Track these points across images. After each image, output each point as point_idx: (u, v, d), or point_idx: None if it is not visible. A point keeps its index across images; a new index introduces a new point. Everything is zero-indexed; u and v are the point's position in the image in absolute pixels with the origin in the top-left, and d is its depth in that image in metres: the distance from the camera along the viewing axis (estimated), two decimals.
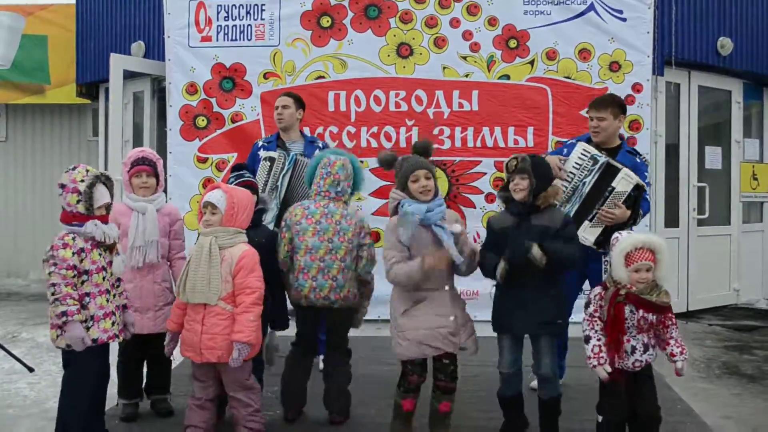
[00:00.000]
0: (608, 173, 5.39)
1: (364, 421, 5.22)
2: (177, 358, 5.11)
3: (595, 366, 4.39)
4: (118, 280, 4.73)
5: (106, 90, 9.96)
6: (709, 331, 8.86)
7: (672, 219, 9.41)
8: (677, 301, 9.18)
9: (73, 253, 4.40)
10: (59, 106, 12.45)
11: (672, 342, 4.43)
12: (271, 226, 5.97)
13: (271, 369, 5.34)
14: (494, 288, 4.81)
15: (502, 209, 4.83)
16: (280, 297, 5.07)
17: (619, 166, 5.44)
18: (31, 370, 6.87)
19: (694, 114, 9.60)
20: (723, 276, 10.09)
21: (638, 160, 5.77)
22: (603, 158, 5.42)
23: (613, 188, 5.36)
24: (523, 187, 4.59)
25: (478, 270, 4.82)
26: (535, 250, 4.45)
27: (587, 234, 5.31)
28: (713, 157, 9.96)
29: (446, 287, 4.70)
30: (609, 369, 4.37)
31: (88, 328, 4.43)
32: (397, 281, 4.66)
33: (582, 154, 5.51)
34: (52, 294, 4.34)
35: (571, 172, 5.48)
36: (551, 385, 4.69)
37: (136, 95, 10.05)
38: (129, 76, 9.48)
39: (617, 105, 5.74)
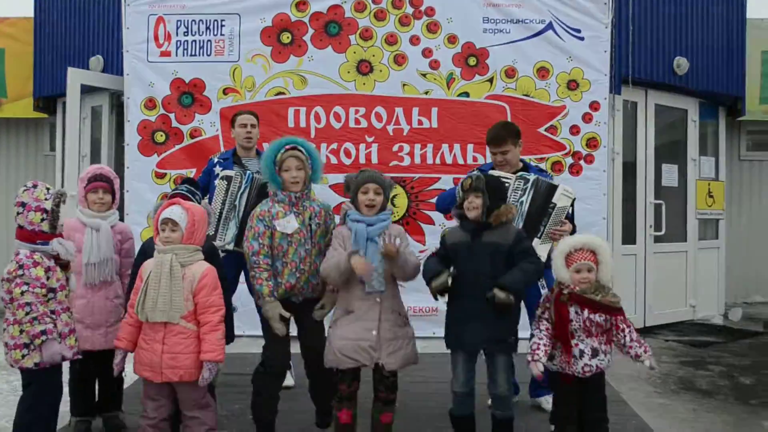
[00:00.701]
0: (538, 190, 5.46)
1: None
2: (129, 375, 5.03)
3: (529, 362, 4.45)
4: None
5: (64, 104, 9.86)
6: (665, 346, 8.95)
7: (629, 236, 9.50)
8: (635, 317, 9.26)
9: (45, 271, 4.45)
10: (15, 120, 12.29)
11: (633, 344, 4.47)
12: (230, 246, 5.92)
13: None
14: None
15: (456, 225, 4.84)
16: (226, 313, 4.96)
17: (549, 182, 5.56)
18: None
19: (651, 132, 9.72)
20: (679, 292, 10.20)
21: (547, 175, 5.95)
22: (532, 176, 5.52)
23: (555, 204, 5.45)
24: (477, 206, 4.62)
25: None
26: (498, 294, 4.44)
27: (540, 251, 5.37)
28: (670, 174, 10.08)
29: (377, 299, 4.68)
30: (541, 368, 4.43)
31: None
32: (326, 273, 4.68)
33: (503, 179, 5.58)
34: (27, 314, 4.36)
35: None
36: (505, 405, 4.67)
37: (94, 109, 9.95)
38: (87, 90, 9.38)
39: (514, 134, 5.79)
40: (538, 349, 4.48)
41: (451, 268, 4.66)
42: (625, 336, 4.47)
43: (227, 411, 5.54)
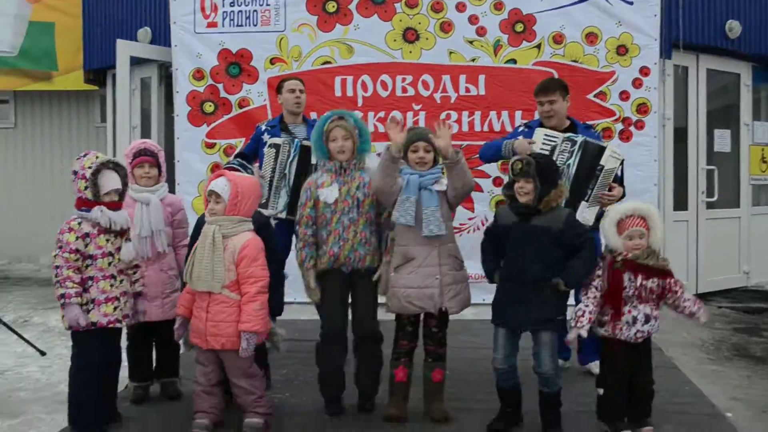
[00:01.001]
0: (587, 152, 5.41)
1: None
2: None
3: (572, 327, 4.49)
4: (136, 266, 4.89)
5: (114, 76, 9.99)
6: (718, 313, 8.85)
7: (681, 202, 9.39)
8: (687, 284, 9.15)
9: (77, 238, 4.57)
10: (67, 93, 12.46)
11: (688, 303, 4.52)
12: (283, 215, 5.97)
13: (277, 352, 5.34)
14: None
15: (507, 204, 4.79)
16: (275, 282, 5.01)
17: (598, 143, 5.50)
18: (42, 353, 6.96)
19: (702, 97, 9.56)
20: (732, 259, 10.07)
21: (596, 133, 5.89)
22: (579, 138, 5.46)
23: (602, 166, 5.40)
24: (528, 191, 4.55)
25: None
26: (560, 286, 4.51)
27: (587, 214, 5.35)
28: (722, 140, 9.93)
29: (436, 245, 4.73)
30: (584, 334, 4.45)
31: (88, 311, 4.59)
32: (375, 184, 4.83)
33: (547, 138, 5.52)
34: (55, 276, 4.53)
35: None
36: (551, 382, 4.64)
37: (143, 81, 10.05)
38: (136, 62, 9.49)
39: (563, 87, 5.76)
40: (583, 316, 4.49)
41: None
42: (678, 297, 4.51)
43: (278, 375, 5.62)
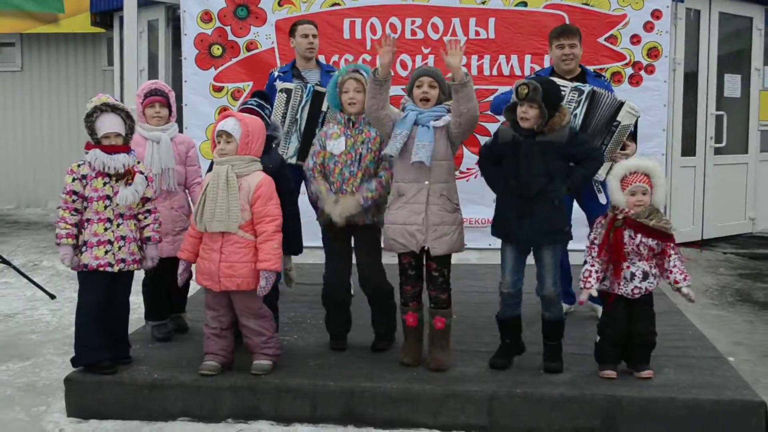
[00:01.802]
0: (597, 103, 5.37)
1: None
2: (193, 285, 5.18)
3: (581, 288, 4.55)
4: (148, 212, 4.87)
5: (121, 19, 9.91)
6: (723, 259, 8.89)
7: (689, 147, 9.36)
8: (692, 229, 9.19)
9: (74, 179, 4.65)
10: (74, 36, 12.40)
11: (674, 270, 4.51)
12: (293, 160, 5.98)
13: (289, 290, 5.43)
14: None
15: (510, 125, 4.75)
16: (293, 222, 5.07)
17: (612, 96, 5.44)
18: (52, 297, 7.04)
19: (714, 41, 9.46)
20: (739, 205, 10.07)
21: (605, 82, 5.85)
22: (587, 87, 5.41)
23: (619, 123, 5.36)
24: (531, 116, 4.52)
25: (490, 197, 4.88)
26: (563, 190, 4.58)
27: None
28: (732, 85, 9.86)
29: (426, 182, 4.66)
30: (594, 294, 4.52)
31: (81, 252, 4.66)
32: (368, 102, 4.73)
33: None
34: (59, 216, 4.68)
35: None
36: (555, 307, 4.69)
37: (150, 24, 9.99)
38: (143, 4, 9.38)
39: (579, 32, 5.74)
40: (590, 276, 4.55)
41: None
42: (670, 261, 4.53)
43: (286, 318, 5.68)
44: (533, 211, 4.55)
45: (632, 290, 4.52)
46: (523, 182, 4.55)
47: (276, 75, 6.46)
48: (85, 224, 4.66)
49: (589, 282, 4.53)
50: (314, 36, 6.42)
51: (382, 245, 4.90)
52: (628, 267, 4.51)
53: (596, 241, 4.59)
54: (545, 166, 4.53)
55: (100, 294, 4.70)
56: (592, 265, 4.56)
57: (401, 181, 4.74)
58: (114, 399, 4.66)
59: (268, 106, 5.24)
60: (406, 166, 4.67)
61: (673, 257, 4.54)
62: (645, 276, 4.52)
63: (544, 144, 4.54)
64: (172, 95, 5.41)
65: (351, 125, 4.97)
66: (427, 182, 4.67)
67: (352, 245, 5.15)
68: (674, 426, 4.30)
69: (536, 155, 4.53)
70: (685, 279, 4.52)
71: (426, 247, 4.69)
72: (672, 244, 4.55)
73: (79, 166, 4.66)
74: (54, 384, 5.04)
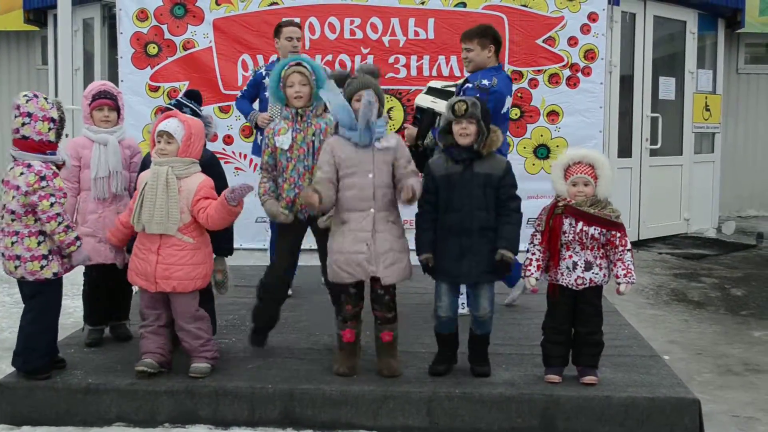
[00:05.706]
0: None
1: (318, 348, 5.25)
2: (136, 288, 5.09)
3: (523, 276, 4.56)
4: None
5: (55, 16, 9.69)
6: (658, 259, 9.05)
7: (625, 149, 9.51)
8: (628, 230, 9.29)
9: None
10: (6, 33, 12.13)
11: (619, 264, 4.48)
12: None
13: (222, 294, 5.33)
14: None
15: (440, 153, 4.69)
16: None
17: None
18: None
19: (648, 44, 9.63)
20: (674, 205, 10.26)
21: (476, 91, 5.67)
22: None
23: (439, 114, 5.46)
24: (470, 132, 4.46)
25: None
26: (506, 255, 4.44)
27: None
28: (667, 87, 10.04)
29: (371, 209, 4.57)
30: (533, 282, 4.51)
31: (63, 257, 4.59)
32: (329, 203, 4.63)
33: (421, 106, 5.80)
34: (59, 224, 4.46)
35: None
36: (485, 324, 4.68)
37: (86, 22, 9.82)
38: (78, 2, 9.21)
39: (485, 35, 5.67)
40: (531, 264, 4.53)
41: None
42: (617, 253, 4.48)
43: (224, 321, 5.62)
44: (474, 248, 4.50)
45: (575, 280, 4.47)
46: (463, 217, 4.49)
47: (264, 73, 6.53)
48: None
49: (530, 270, 4.52)
50: (298, 39, 6.60)
51: (329, 273, 4.71)
52: (570, 256, 4.47)
53: (539, 228, 4.54)
54: (486, 199, 4.49)
55: (60, 300, 4.68)
56: (533, 254, 4.53)
57: (343, 208, 4.61)
58: (47, 404, 4.55)
59: (190, 105, 5.13)
60: (351, 194, 4.56)
61: (621, 250, 4.46)
62: (588, 266, 4.46)
63: (484, 177, 4.49)
64: (120, 97, 5.32)
65: (299, 119, 4.86)
66: (372, 210, 4.57)
67: (315, 244, 5.05)
68: (611, 424, 4.34)
69: (478, 187, 4.48)
70: (626, 275, 4.44)
71: (378, 277, 4.57)
72: (619, 235, 4.47)
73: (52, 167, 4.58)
74: None
